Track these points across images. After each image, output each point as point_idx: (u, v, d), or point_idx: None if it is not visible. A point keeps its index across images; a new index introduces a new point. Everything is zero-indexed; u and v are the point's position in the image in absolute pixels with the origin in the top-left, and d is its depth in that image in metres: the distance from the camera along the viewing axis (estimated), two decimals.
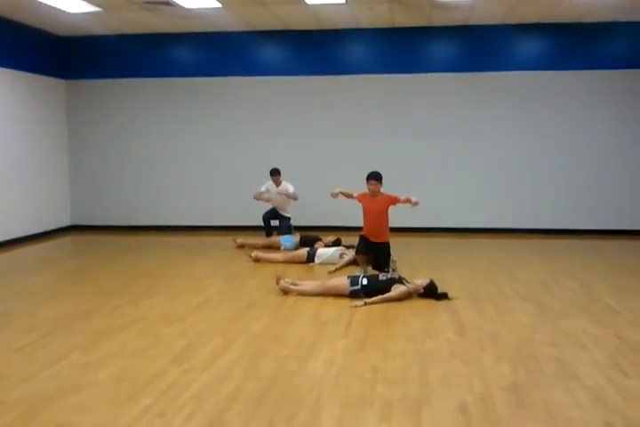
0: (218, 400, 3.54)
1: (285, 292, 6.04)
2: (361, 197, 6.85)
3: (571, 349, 4.43)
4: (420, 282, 5.89)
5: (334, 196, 6.97)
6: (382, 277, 6.02)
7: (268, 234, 9.31)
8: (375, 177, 6.68)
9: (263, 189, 9.13)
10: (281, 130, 10.29)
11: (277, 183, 9.06)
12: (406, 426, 3.22)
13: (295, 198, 8.98)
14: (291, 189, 8.97)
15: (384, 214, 6.74)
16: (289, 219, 9.25)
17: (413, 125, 10.07)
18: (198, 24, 9.58)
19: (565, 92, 9.76)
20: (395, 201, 6.67)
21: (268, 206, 9.28)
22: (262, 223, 9.29)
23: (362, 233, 6.89)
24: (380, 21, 9.45)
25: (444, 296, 5.83)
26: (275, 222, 9.25)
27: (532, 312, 5.42)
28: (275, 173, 9.05)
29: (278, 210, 9.24)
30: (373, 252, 6.79)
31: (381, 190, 6.73)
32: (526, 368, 4.04)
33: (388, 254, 6.77)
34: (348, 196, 6.96)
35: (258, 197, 9.10)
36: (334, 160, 10.11)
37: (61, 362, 4.20)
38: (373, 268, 6.83)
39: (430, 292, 5.85)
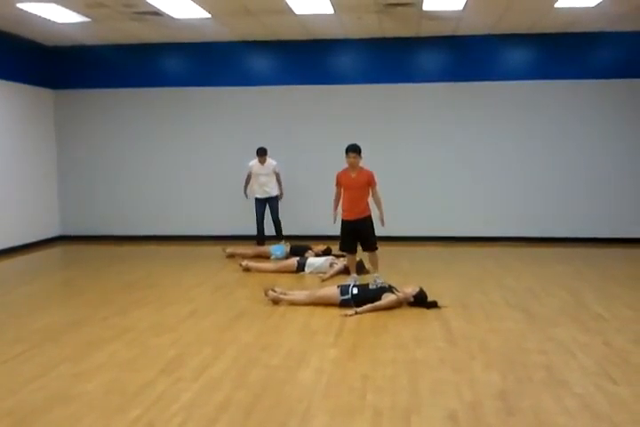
0: (208, 410, 3.53)
1: (275, 301, 6.03)
2: (340, 177, 6.76)
3: (559, 356, 4.46)
4: (410, 290, 5.90)
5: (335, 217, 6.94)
6: (372, 286, 6.05)
7: (260, 243, 9.33)
8: (354, 149, 6.64)
9: (250, 164, 9.41)
10: (270, 140, 10.26)
11: (263, 162, 9.33)
12: None
13: (278, 174, 9.51)
14: (273, 162, 9.41)
15: (364, 187, 6.70)
16: (277, 197, 9.53)
17: (401, 135, 10.12)
18: (187, 34, 9.61)
19: (554, 102, 9.84)
20: (373, 184, 6.69)
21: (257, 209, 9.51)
22: (255, 225, 9.49)
23: (342, 217, 6.78)
24: (368, 31, 9.52)
25: (433, 305, 5.85)
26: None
27: (522, 320, 5.45)
28: (262, 152, 9.28)
29: (265, 189, 9.40)
30: (358, 234, 6.73)
31: (360, 164, 6.72)
32: (515, 376, 4.06)
33: (373, 229, 6.74)
34: (337, 201, 6.89)
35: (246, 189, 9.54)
36: (325, 169, 10.07)
37: (50, 373, 4.17)
38: (363, 247, 6.81)
39: (420, 300, 5.86)
